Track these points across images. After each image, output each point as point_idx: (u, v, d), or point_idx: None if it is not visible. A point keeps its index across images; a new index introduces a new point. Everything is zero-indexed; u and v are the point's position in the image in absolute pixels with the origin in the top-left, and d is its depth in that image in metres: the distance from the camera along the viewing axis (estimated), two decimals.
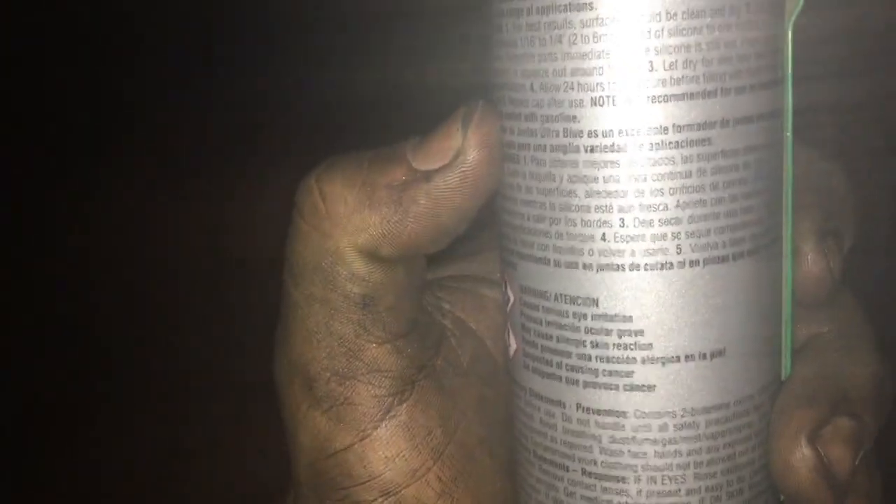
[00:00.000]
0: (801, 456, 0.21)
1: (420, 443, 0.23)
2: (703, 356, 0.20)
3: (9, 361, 0.73)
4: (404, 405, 0.23)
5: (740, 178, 0.20)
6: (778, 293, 0.22)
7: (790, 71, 0.21)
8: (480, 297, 0.26)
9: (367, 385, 0.23)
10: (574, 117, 0.20)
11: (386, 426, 0.23)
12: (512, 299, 0.23)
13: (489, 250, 0.26)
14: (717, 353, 0.20)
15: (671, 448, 0.21)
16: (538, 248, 0.21)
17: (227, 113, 0.73)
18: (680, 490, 0.21)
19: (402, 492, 0.23)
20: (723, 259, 0.20)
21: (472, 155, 0.21)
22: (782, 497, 0.22)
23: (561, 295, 0.21)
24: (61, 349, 0.73)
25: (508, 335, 0.23)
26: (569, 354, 0.21)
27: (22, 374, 0.73)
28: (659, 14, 0.19)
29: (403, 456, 0.23)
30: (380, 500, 0.23)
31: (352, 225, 0.22)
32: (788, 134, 0.21)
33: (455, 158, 0.21)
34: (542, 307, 0.21)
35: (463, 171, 0.22)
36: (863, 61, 0.46)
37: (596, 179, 0.20)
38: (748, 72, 0.20)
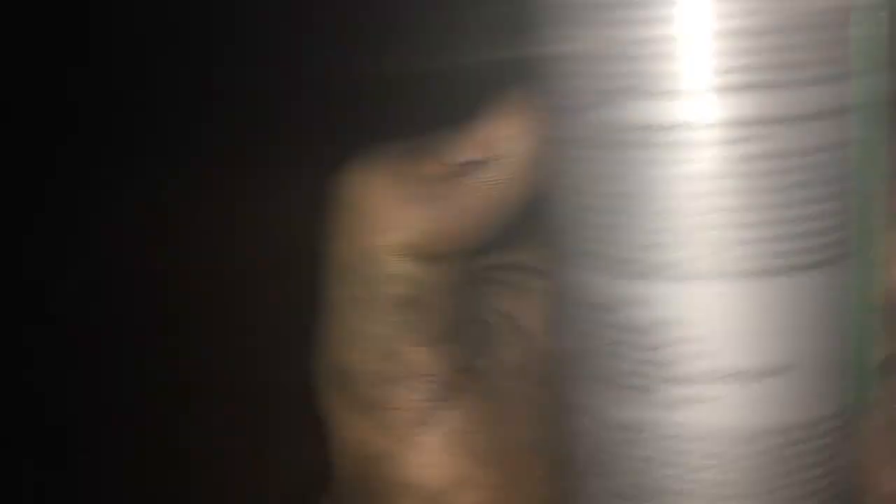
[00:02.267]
0: None
1: (463, 450, 0.22)
2: (763, 372, 0.19)
3: (9, 362, 0.75)
4: (447, 411, 0.22)
5: (807, 181, 0.18)
6: (851, 310, 0.20)
7: (869, 64, 0.19)
8: (530, 291, 0.25)
9: (406, 389, 0.22)
10: (636, 110, 0.18)
11: (427, 432, 0.22)
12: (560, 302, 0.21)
13: (538, 239, 0.24)
14: (779, 370, 0.19)
15: (733, 467, 0.19)
16: (590, 252, 0.19)
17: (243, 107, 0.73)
18: None
19: (444, 500, 0.22)
20: (787, 270, 0.19)
21: (512, 147, 0.21)
22: None
23: (614, 302, 0.19)
24: (66, 351, 0.75)
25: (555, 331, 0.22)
26: (623, 361, 0.19)
27: (26, 377, 0.74)
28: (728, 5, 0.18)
29: (445, 463, 0.22)
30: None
31: (392, 222, 0.21)
32: (872, 133, 0.19)
33: (495, 150, 0.21)
34: (592, 315, 0.20)
35: (504, 164, 0.21)
36: None
37: (653, 179, 0.18)
38: (813, 64, 0.18)
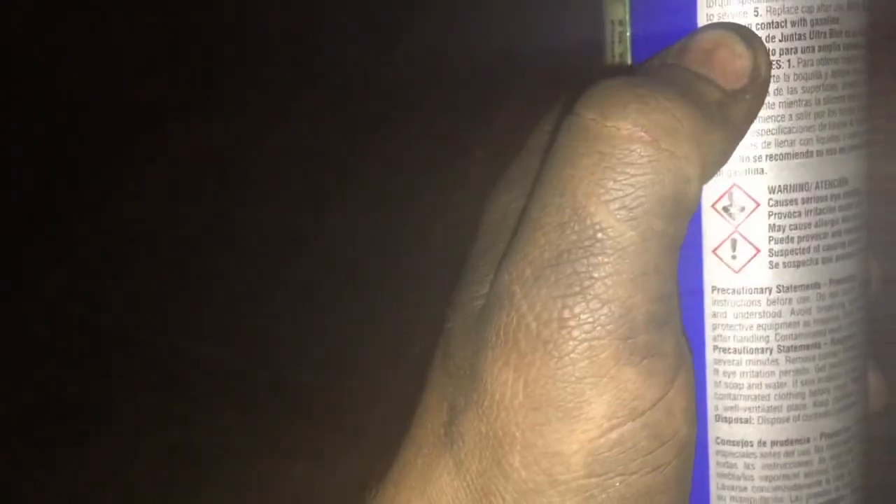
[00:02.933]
0: None
1: (693, 387, 0.22)
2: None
3: (11, 364, 0.73)
4: (685, 351, 0.22)
5: None
6: None
7: None
8: None
9: (673, 330, 0.21)
10: (837, 19, 0.23)
11: (682, 374, 0.21)
12: (752, 206, 0.23)
13: None
14: None
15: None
16: (801, 143, 0.23)
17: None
18: (867, 331, 0.25)
19: (690, 445, 0.22)
20: None
21: (769, 69, 0.22)
22: None
23: (821, 182, 0.23)
24: (67, 350, 0.74)
25: (733, 247, 0.24)
26: (825, 235, 0.23)
27: (28, 375, 0.73)
28: None
29: (692, 405, 0.22)
30: (679, 457, 0.21)
31: (705, 145, 0.21)
32: None
33: (758, 75, 0.22)
34: (802, 199, 0.23)
35: (767, 85, 0.22)
36: None
37: (850, 72, 0.23)
38: None
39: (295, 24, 0.78)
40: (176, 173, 0.79)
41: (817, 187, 0.23)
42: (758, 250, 0.23)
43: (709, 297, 0.24)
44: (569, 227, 0.20)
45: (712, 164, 0.22)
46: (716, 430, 0.24)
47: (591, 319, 0.20)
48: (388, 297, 0.67)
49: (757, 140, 0.23)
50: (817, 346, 0.24)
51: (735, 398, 0.24)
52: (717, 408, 0.24)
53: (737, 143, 0.22)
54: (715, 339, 0.24)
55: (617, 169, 0.20)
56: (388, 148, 0.73)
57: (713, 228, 0.24)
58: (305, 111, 0.77)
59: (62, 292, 0.76)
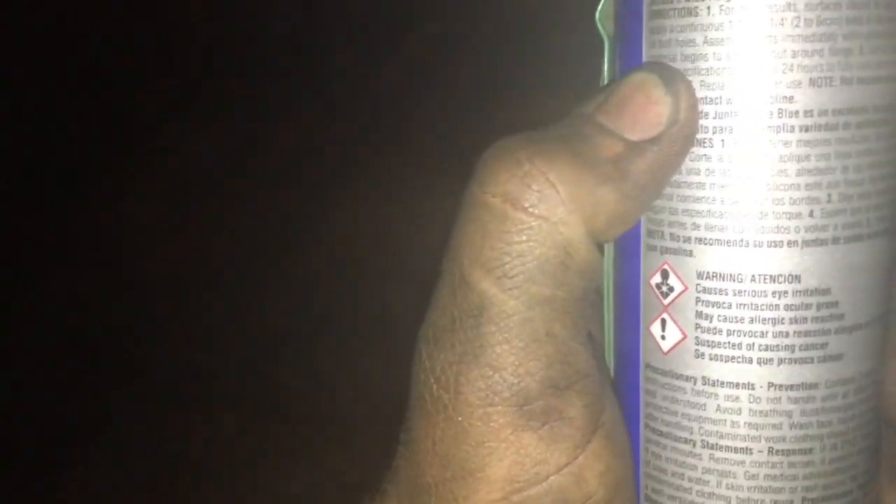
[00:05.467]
0: None
1: (619, 451, 0.21)
2: (875, 321, 0.22)
3: (10, 367, 0.74)
4: (605, 412, 0.21)
5: None
6: None
7: None
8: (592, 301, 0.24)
9: (579, 394, 0.20)
10: (791, 98, 0.20)
11: (597, 438, 0.21)
12: (680, 288, 0.22)
13: None
14: (882, 318, 0.22)
15: (850, 413, 0.22)
16: (733, 230, 0.21)
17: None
18: (852, 453, 0.22)
19: None
20: (889, 231, 0.22)
21: (691, 116, 0.20)
22: None
23: (760, 275, 0.21)
24: (65, 362, 0.74)
25: (662, 327, 0.22)
26: (764, 334, 0.21)
27: (28, 384, 0.73)
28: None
29: (612, 469, 0.21)
30: None
31: (589, 207, 0.20)
32: None
33: (673, 123, 0.20)
34: (734, 290, 0.21)
35: (686, 135, 0.20)
36: None
37: (809, 158, 0.20)
38: None
39: (294, 32, 0.75)
40: (173, 183, 0.77)
41: (754, 280, 0.21)
42: (685, 336, 0.22)
43: (643, 373, 0.23)
44: (459, 295, 0.20)
45: (608, 222, 0.20)
46: None
47: (484, 386, 0.20)
48: (388, 304, 0.64)
49: (686, 220, 0.22)
50: (748, 451, 0.22)
51: (661, 483, 0.23)
52: (647, 487, 0.23)
53: (646, 198, 0.21)
54: (646, 416, 0.23)
55: (494, 237, 0.20)
56: (386, 156, 0.69)
57: (648, 304, 0.23)
58: (304, 117, 0.74)
59: (59, 304, 0.76)
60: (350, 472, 0.59)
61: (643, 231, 0.23)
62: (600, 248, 0.21)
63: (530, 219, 0.19)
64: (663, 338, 0.22)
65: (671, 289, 0.22)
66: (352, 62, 0.78)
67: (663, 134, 0.20)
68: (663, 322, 0.22)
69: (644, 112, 0.20)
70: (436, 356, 0.21)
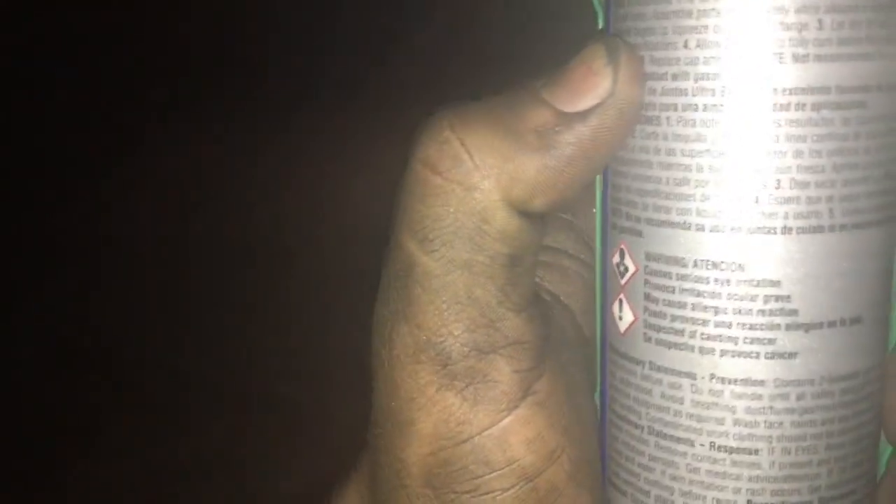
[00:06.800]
0: None
1: (556, 421, 0.21)
2: (844, 323, 0.20)
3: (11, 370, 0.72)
4: (540, 380, 0.21)
5: (892, 144, 0.20)
6: None
7: None
8: (564, 270, 0.24)
9: (507, 359, 0.21)
10: (735, 75, 0.19)
11: (526, 405, 0.21)
12: (632, 269, 0.22)
13: (556, 224, 0.24)
14: (855, 321, 0.20)
15: (807, 418, 0.20)
16: (677, 212, 0.20)
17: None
18: (812, 461, 0.20)
19: (540, 476, 0.21)
20: (869, 224, 0.20)
21: (628, 91, 0.20)
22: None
23: (702, 261, 0.20)
24: (54, 370, 0.71)
25: (619, 308, 0.22)
26: (706, 323, 0.20)
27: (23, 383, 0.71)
28: None
29: (543, 437, 0.21)
30: (517, 486, 0.21)
31: (505, 175, 0.20)
32: None
33: (609, 96, 0.20)
34: (677, 274, 0.20)
35: (620, 109, 0.20)
36: None
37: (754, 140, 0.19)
38: None
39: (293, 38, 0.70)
40: (163, 189, 0.74)
41: (696, 266, 0.20)
42: (636, 318, 0.22)
43: (608, 354, 0.23)
44: (394, 255, 0.21)
45: (528, 191, 0.20)
46: (608, 491, 0.23)
47: (412, 343, 0.21)
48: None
49: (637, 199, 0.21)
50: (690, 442, 0.21)
51: (618, 466, 0.23)
52: (609, 469, 0.23)
53: (576, 171, 0.20)
54: (609, 398, 0.23)
55: (417, 201, 0.20)
56: (383, 159, 0.62)
57: (610, 283, 0.22)
58: (300, 122, 0.68)
59: (49, 312, 0.74)
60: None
61: (609, 209, 0.22)
62: (531, 215, 0.21)
63: (445, 183, 0.20)
64: (620, 318, 0.22)
65: (626, 269, 0.22)
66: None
67: (597, 106, 0.20)
68: (620, 302, 0.22)
69: (583, 84, 0.20)
70: (378, 312, 0.22)
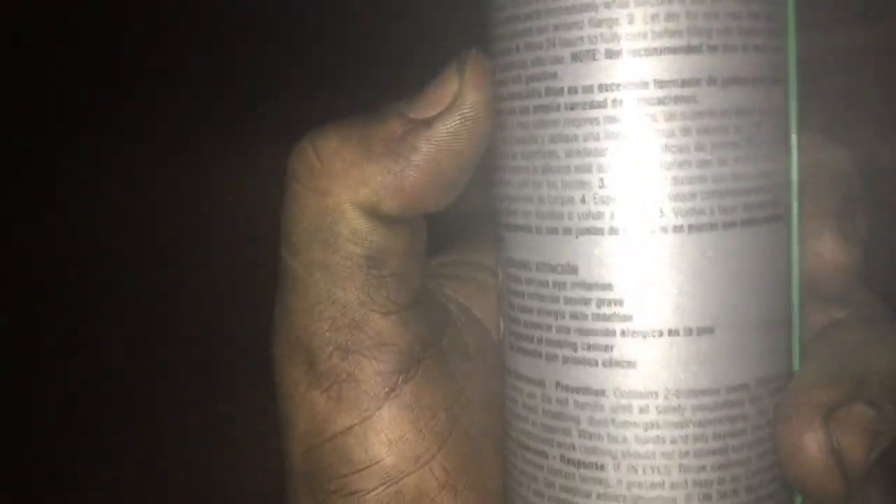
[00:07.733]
0: (813, 437, 0.19)
1: (424, 426, 0.21)
2: (689, 332, 0.19)
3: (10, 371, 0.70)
4: (409, 384, 0.21)
5: (730, 142, 0.19)
6: (781, 275, 0.20)
7: (792, 40, 0.20)
8: (480, 284, 0.23)
9: (371, 360, 0.21)
10: (555, 74, 0.19)
11: (389, 406, 0.21)
12: (500, 276, 0.22)
13: (482, 238, 0.23)
14: (704, 331, 0.19)
15: (653, 433, 0.19)
16: (522, 215, 0.20)
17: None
18: (664, 482, 0.19)
19: (405, 480, 0.21)
20: (711, 227, 0.19)
21: (471, 96, 0.20)
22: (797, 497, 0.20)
23: (542, 264, 0.20)
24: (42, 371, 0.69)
25: (499, 317, 0.22)
26: (549, 328, 0.20)
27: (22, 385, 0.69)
28: None
29: (407, 440, 0.21)
30: (380, 488, 0.21)
31: (351, 178, 0.21)
32: (793, 105, 0.20)
33: (453, 102, 0.21)
34: (525, 279, 0.20)
35: (462, 114, 0.21)
36: None
37: (576, 138, 0.19)
38: (739, 31, 0.19)
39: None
40: (150, 177, 0.73)
41: (538, 269, 0.20)
42: (504, 326, 0.22)
43: None
44: (279, 262, 0.23)
45: (377, 195, 0.21)
46: None
47: (285, 344, 0.22)
48: None
49: (498, 205, 0.21)
50: (544, 455, 0.21)
51: (508, 479, 0.23)
52: (506, 483, 0.23)
53: (426, 175, 0.21)
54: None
55: (286, 210, 0.22)
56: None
57: (499, 290, 0.23)
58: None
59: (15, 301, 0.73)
60: None
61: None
62: (385, 219, 0.21)
63: (301, 189, 0.21)
64: (500, 326, 0.22)
65: (497, 276, 0.22)
66: None
67: (441, 112, 0.21)
68: (500, 310, 0.22)
69: (434, 94, 0.21)
70: (273, 313, 0.23)
